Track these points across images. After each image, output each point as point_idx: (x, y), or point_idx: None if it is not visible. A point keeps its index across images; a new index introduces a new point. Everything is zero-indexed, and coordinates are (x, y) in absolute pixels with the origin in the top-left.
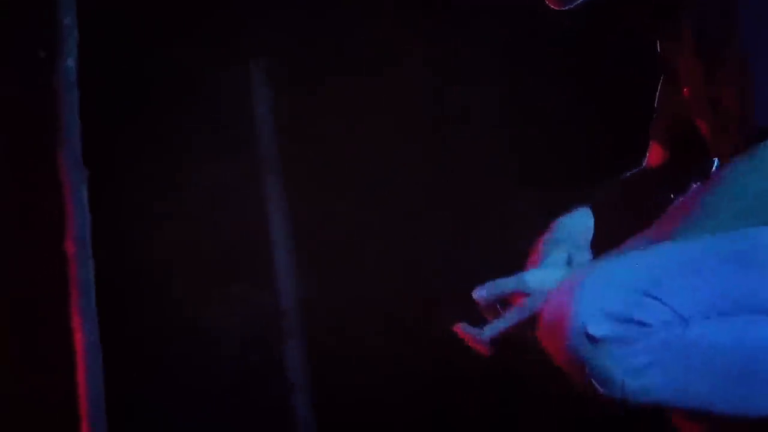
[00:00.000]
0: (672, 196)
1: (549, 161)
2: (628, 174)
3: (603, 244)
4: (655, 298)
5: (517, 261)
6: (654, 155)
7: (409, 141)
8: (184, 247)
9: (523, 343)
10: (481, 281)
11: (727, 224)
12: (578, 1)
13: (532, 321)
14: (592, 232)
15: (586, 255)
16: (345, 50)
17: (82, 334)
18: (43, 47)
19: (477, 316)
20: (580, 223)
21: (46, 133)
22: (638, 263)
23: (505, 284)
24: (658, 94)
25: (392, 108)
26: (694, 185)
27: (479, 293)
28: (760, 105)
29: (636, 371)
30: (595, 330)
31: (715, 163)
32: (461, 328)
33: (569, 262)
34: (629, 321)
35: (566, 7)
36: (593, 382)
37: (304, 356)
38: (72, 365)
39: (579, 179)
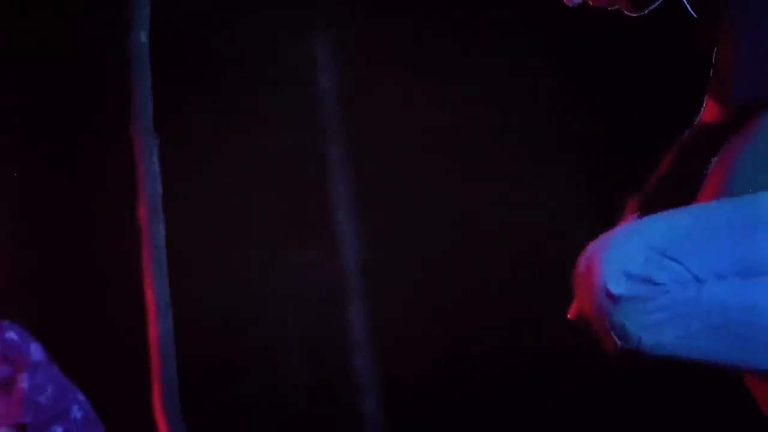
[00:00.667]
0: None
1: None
2: (685, 132)
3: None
4: (672, 258)
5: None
6: (708, 112)
7: (467, 104)
8: (250, 212)
9: None
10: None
11: (750, 185)
12: (652, 7)
13: None
14: None
15: None
16: (406, 25)
17: (153, 293)
18: (119, 23)
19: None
20: None
21: (119, 104)
22: (658, 225)
23: None
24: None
25: (449, 76)
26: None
27: None
28: (738, 77)
29: (651, 328)
30: (614, 288)
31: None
32: None
33: None
34: (646, 281)
35: (641, 13)
36: (613, 335)
37: (366, 318)
38: (144, 323)
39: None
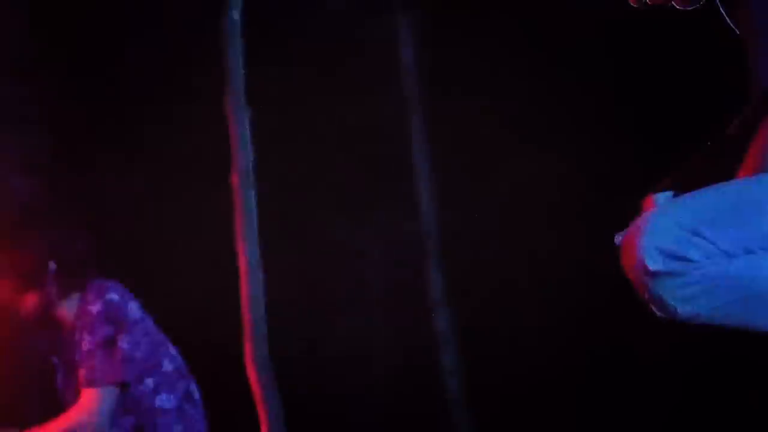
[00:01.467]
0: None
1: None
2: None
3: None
4: (703, 236)
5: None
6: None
7: (542, 76)
8: (335, 177)
9: None
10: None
11: None
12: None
13: None
14: None
15: None
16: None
17: (245, 257)
18: (214, 2)
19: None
20: None
21: (214, 78)
22: (691, 205)
23: None
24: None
25: (523, 49)
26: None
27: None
28: (762, 67)
29: (685, 300)
30: (651, 265)
31: None
32: None
33: None
34: (680, 258)
35: (692, 6)
36: (652, 305)
37: (444, 276)
38: (236, 283)
39: None
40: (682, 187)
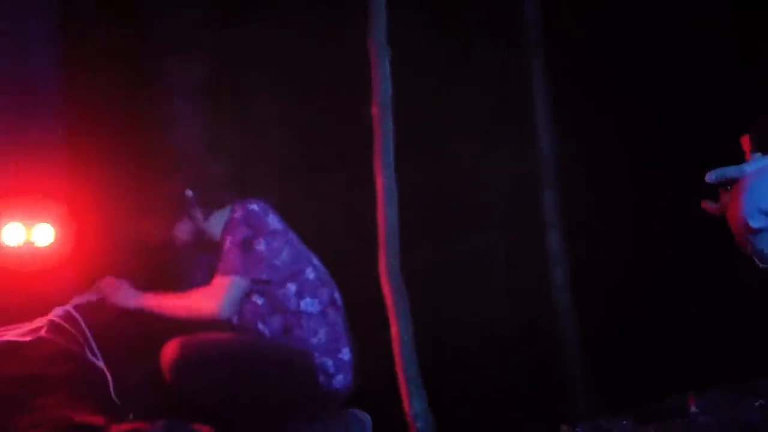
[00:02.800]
0: None
1: None
2: None
3: None
4: None
5: None
6: None
7: (656, 23)
8: (463, 110)
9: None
10: None
11: None
12: None
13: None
14: None
15: None
16: None
17: (383, 179)
18: None
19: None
20: None
21: (357, 20)
22: None
23: (729, 171)
24: None
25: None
26: None
27: (709, 176)
28: None
29: None
30: (753, 223)
31: None
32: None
33: None
34: None
35: None
36: (755, 257)
37: (558, 200)
38: (373, 207)
39: None
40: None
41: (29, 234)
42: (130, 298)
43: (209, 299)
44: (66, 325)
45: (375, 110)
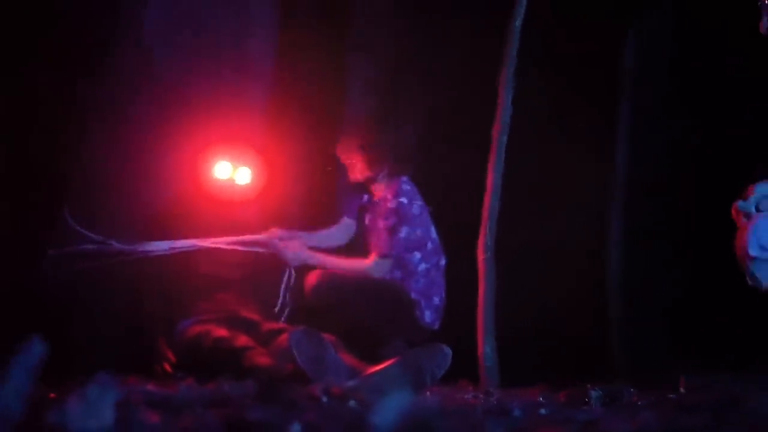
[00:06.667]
0: None
1: None
2: None
3: None
4: None
5: None
6: None
7: None
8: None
9: None
10: None
11: None
12: None
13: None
14: None
15: None
16: None
17: (493, 177)
18: None
19: None
20: None
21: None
22: None
23: (748, 206)
24: None
25: None
26: None
27: (736, 206)
28: None
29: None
30: (751, 252)
31: None
32: None
33: None
34: None
35: None
36: (750, 280)
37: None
38: (480, 201)
39: None
40: None
41: (234, 172)
42: (309, 257)
43: (366, 269)
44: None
45: (497, 129)
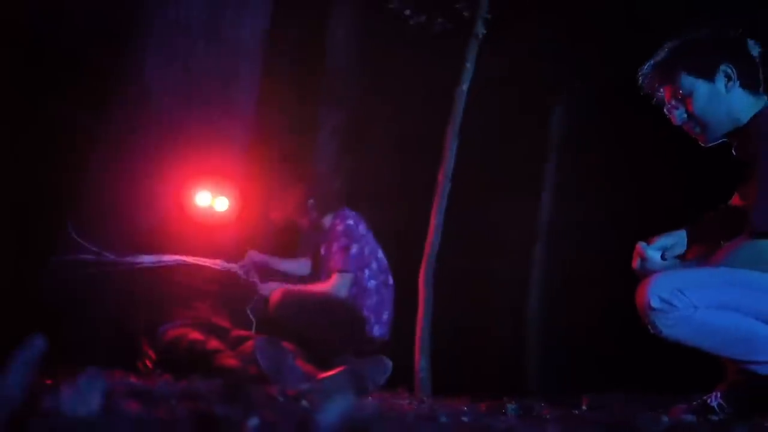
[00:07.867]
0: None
1: None
2: (719, 207)
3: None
4: (683, 293)
5: None
6: (734, 202)
7: None
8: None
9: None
10: None
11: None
12: (717, 142)
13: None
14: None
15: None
16: None
17: (435, 218)
18: None
19: None
20: (681, 235)
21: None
22: (683, 274)
23: (651, 264)
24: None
25: None
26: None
27: (636, 264)
28: (756, 213)
29: (669, 327)
30: (653, 303)
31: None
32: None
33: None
34: (669, 303)
35: (709, 145)
36: (651, 327)
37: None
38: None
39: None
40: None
41: (213, 201)
42: (277, 287)
43: (329, 289)
44: (237, 267)
45: (441, 176)
